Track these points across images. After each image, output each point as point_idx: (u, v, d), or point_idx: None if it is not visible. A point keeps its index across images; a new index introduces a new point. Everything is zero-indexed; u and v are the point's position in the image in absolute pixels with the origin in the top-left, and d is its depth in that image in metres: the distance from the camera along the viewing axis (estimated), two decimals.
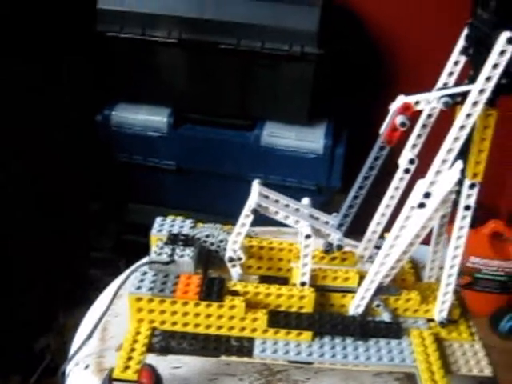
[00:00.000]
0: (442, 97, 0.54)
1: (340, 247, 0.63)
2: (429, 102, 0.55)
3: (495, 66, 0.50)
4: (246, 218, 0.61)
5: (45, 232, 1.75)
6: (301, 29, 1.43)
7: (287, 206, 0.64)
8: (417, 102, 0.56)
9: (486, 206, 1.76)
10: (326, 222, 0.65)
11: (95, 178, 1.84)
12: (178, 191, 1.67)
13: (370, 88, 1.64)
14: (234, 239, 0.62)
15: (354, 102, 1.59)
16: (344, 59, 1.59)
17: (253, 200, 0.61)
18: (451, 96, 0.54)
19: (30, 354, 1.59)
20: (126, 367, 0.56)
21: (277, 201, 0.64)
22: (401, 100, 0.56)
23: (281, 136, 1.55)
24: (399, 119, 0.56)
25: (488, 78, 0.51)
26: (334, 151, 1.51)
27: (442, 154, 0.55)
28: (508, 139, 1.71)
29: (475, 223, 1.61)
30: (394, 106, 0.56)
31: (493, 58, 0.50)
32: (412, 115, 0.56)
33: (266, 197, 0.63)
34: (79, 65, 1.67)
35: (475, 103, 0.52)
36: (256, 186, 0.63)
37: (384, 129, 0.59)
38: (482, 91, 0.51)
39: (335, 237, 0.62)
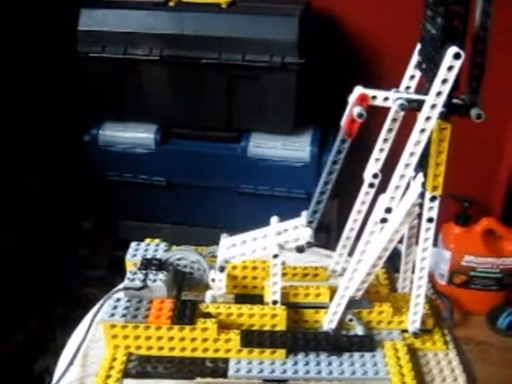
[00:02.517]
0: (399, 98, 0.55)
1: (310, 244, 0.63)
2: (386, 99, 0.56)
3: (444, 81, 0.51)
4: (218, 274, 0.63)
5: (39, 253, 1.77)
6: (281, 39, 1.45)
7: (255, 239, 0.64)
8: (374, 97, 0.56)
9: (479, 204, 1.77)
10: (295, 227, 0.65)
11: (86, 197, 1.85)
12: (169, 206, 1.69)
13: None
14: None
15: (339, 109, 1.60)
16: (326, 66, 1.60)
17: (220, 258, 0.62)
18: (407, 100, 0.55)
19: (30, 377, 1.60)
20: None
21: (244, 241, 0.64)
22: (358, 91, 0.57)
23: (267, 146, 1.56)
24: (356, 110, 0.56)
25: (438, 93, 0.52)
26: (321, 158, 1.52)
27: (399, 169, 0.56)
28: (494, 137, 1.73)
29: (468, 221, 1.62)
30: (352, 97, 0.57)
31: (441, 73, 0.51)
32: (368, 108, 0.57)
33: (234, 245, 0.64)
34: (62, 86, 1.69)
35: (428, 118, 0.52)
36: (223, 240, 0.65)
37: (343, 121, 0.59)
38: (433, 106, 0.52)
39: (306, 234, 0.63)
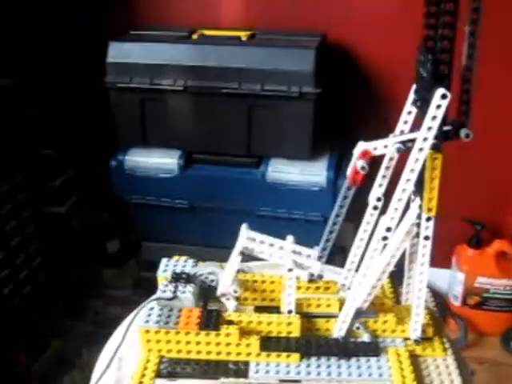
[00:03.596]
0: (396, 143, 0.65)
1: (320, 277, 0.73)
2: (385, 147, 0.66)
3: (434, 117, 0.60)
4: (235, 258, 0.71)
5: (66, 273, 1.88)
6: (298, 70, 1.55)
7: (272, 245, 0.74)
8: (375, 148, 0.66)
9: (491, 227, 1.85)
10: (308, 255, 0.74)
11: (112, 219, 1.97)
12: (191, 228, 1.79)
13: (368, 121, 1.74)
14: (226, 276, 0.72)
15: (353, 135, 1.70)
16: (341, 95, 1.70)
17: (240, 243, 0.71)
18: (403, 142, 0.64)
19: None
20: None
21: (262, 242, 0.74)
22: (361, 146, 0.66)
23: (285, 171, 1.66)
24: (359, 164, 0.66)
25: (429, 128, 0.61)
26: (336, 183, 1.61)
27: (397, 193, 0.65)
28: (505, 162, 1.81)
29: (480, 244, 1.69)
30: (356, 152, 0.67)
31: (431, 111, 0.60)
32: (371, 159, 0.66)
33: (253, 239, 0.73)
34: (93, 115, 1.82)
35: (421, 149, 0.62)
36: (244, 230, 0.74)
37: (348, 172, 0.69)
38: (425, 139, 0.61)
39: (316, 268, 0.72)
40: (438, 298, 1.94)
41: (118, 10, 1.81)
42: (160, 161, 1.71)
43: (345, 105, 1.74)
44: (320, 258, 0.75)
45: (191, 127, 1.68)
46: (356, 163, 0.66)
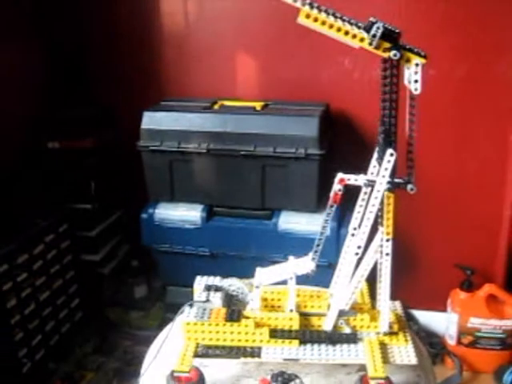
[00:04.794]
0: (363, 180, 0.98)
1: (313, 272, 1.05)
2: (355, 180, 0.99)
3: (385, 169, 0.94)
4: (255, 293, 1.05)
5: (99, 315, 2.20)
6: (304, 135, 1.90)
7: (278, 269, 1.07)
8: (348, 179, 0.99)
9: (483, 272, 2.15)
10: (304, 261, 1.07)
11: (140, 267, 2.30)
12: (211, 273, 2.09)
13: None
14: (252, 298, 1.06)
15: (353, 190, 2.04)
16: (342, 154, 2.04)
17: (256, 281, 1.05)
18: (368, 181, 0.98)
19: None
20: (181, 365, 0.97)
21: (271, 271, 1.07)
22: (339, 176, 1.00)
23: (294, 222, 1.99)
24: (337, 187, 0.99)
25: (383, 176, 0.94)
26: (339, 232, 1.93)
27: (364, 222, 0.98)
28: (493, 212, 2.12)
29: (471, 287, 2.00)
30: (336, 180, 1.00)
31: (384, 164, 0.94)
32: (345, 185, 0.99)
33: (265, 273, 1.07)
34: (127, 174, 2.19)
35: (378, 191, 0.95)
36: (258, 271, 1.07)
37: (331, 194, 1.02)
38: (381, 183, 0.95)
39: (310, 266, 1.05)
40: (435, 337, 2.22)
41: (151, 85, 2.21)
42: (185, 213, 2.05)
43: (345, 163, 2.08)
44: (313, 259, 1.07)
45: (213, 184, 2.03)
46: (335, 187, 1.00)
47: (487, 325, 2.07)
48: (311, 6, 0.86)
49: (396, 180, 0.97)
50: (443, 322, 2.20)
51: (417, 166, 1.77)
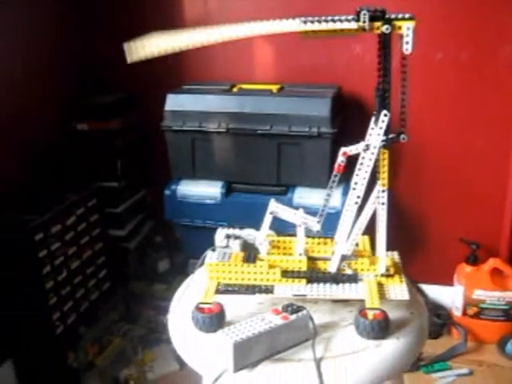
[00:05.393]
0: (362, 147, 1.16)
1: (319, 232, 1.23)
2: (356, 149, 1.17)
3: (381, 128, 1.12)
4: (267, 216, 1.23)
5: (125, 286, 2.39)
6: (317, 115, 2.08)
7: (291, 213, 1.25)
8: (350, 150, 1.17)
9: (488, 247, 2.31)
10: (312, 220, 1.25)
11: (163, 242, 2.50)
12: None
13: None
14: (261, 230, 1.24)
15: None
16: (352, 133, 2.22)
17: (270, 208, 1.23)
18: (366, 145, 1.16)
19: (117, 382, 2.16)
20: (205, 298, 1.16)
21: (283, 209, 1.25)
22: (342, 149, 1.18)
23: (308, 197, 2.17)
24: (340, 159, 1.17)
25: (378, 134, 1.12)
26: None
27: (361, 174, 1.16)
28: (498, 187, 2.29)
29: (477, 261, 2.19)
30: (339, 153, 1.18)
31: (379, 123, 1.12)
32: (348, 157, 1.17)
33: (278, 207, 1.25)
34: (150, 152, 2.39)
35: (374, 147, 1.13)
36: (272, 202, 1.25)
37: (336, 165, 1.20)
38: (376, 141, 1.13)
39: (316, 226, 1.23)
40: (443, 310, 2.39)
41: (173, 68, 2.40)
42: (206, 189, 2.25)
43: (356, 141, 2.26)
44: (318, 221, 1.25)
45: (231, 162, 2.23)
46: (338, 159, 1.18)
47: (491, 296, 2.24)
48: (305, 22, 1.05)
49: (390, 136, 1.14)
50: (450, 296, 2.37)
51: (423, 144, 2.02)
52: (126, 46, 1.12)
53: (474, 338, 2.30)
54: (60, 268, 2.06)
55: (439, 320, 2.32)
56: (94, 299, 2.26)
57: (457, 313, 2.32)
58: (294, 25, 1.06)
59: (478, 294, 2.25)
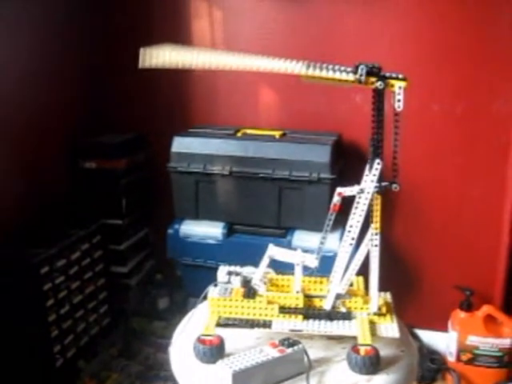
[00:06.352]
0: (357, 190, 1.26)
1: (316, 268, 1.33)
2: (351, 191, 1.27)
3: (374, 175, 1.22)
4: (265, 259, 1.32)
5: (125, 322, 2.47)
6: (317, 161, 2.19)
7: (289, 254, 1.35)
8: (345, 191, 1.28)
9: (481, 294, 2.40)
10: (310, 257, 1.35)
11: (164, 280, 2.58)
12: None
13: None
14: (258, 271, 1.33)
15: None
16: (351, 180, 2.33)
17: (269, 252, 1.33)
18: (361, 189, 1.26)
19: None
20: (207, 331, 1.25)
21: (281, 252, 1.35)
22: (338, 190, 1.28)
23: (307, 240, 2.26)
24: (335, 199, 1.28)
25: (372, 181, 1.23)
26: None
27: (356, 217, 1.25)
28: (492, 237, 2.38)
29: (471, 307, 2.27)
30: (335, 193, 1.28)
31: (373, 171, 1.22)
32: (343, 197, 1.28)
33: (276, 250, 1.35)
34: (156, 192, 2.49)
35: (368, 193, 1.23)
36: (271, 246, 1.35)
37: (331, 204, 1.30)
38: (370, 187, 1.23)
39: (314, 263, 1.33)
40: (437, 355, 2.46)
41: (180, 112, 2.53)
42: (208, 230, 2.35)
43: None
44: (316, 258, 1.35)
45: (234, 203, 2.33)
46: (334, 199, 1.28)
47: (485, 343, 2.31)
48: (308, 66, 1.17)
49: (383, 183, 1.25)
50: (445, 341, 2.44)
51: (421, 192, 2.15)
52: (141, 51, 1.20)
53: None
54: (63, 301, 2.14)
55: (433, 365, 2.38)
56: (94, 334, 2.33)
57: (451, 358, 2.38)
58: (297, 67, 1.18)
59: (472, 340, 2.32)
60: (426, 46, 2.27)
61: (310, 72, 1.18)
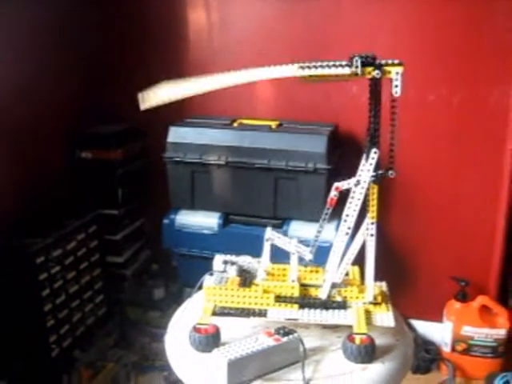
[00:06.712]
0: (354, 183, 1.27)
1: (311, 261, 1.33)
2: (348, 184, 1.27)
3: (371, 164, 1.22)
4: (266, 245, 1.33)
5: (120, 312, 2.47)
6: (313, 151, 2.20)
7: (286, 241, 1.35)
8: (342, 185, 1.28)
9: (476, 284, 2.41)
10: (305, 249, 1.35)
11: (159, 270, 2.58)
12: None
13: None
14: (263, 262, 1.34)
15: None
16: (348, 169, 2.33)
17: (267, 234, 1.33)
18: (357, 181, 1.26)
19: None
20: (202, 319, 1.25)
21: (278, 237, 1.35)
22: (335, 184, 1.28)
23: (303, 230, 2.26)
24: (333, 193, 1.28)
25: (368, 170, 1.23)
26: None
27: (352, 206, 1.26)
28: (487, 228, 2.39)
29: (466, 298, 2.29)
30: (332, 187, 1.29)
31: (369, 160, 1.22)
32: (340, 192, 1.28)
33: (273, 234, 1.35)
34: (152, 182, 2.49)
35: (364, 182, 1.23)
36: (268, 229, 1.35)
37: (328, 198, 1.30)
38: (366, 177, 1.23)
39: (309, 255, 1.33)
40: (432, 345, 2.47)
41: (176, 102, 2.52)
42: (203, 220, 2.35)
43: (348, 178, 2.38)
44: (311, 250, 1.35)
45: (229, 194, 2.33)
46: (331, 193, 1.28)
47: (479, 333, 2.33)
48: (302, 68, 1.18)
49: (379, 171, 1.25)
50: (440, 332, 2.45)
51: (417, 182, 2.15)
52: (139, 95, 1.23)
53: (462, 374, 2.37)
54: (59, 291, 2.14)
55: (428, 355, 2.40)
56: (89, 324, 2.34)
57: (446, 348, 2.39)
58: (291, 70, 1.18)
59: (467, 330, 2.33)
60: (423, 36, 2.28)
61: (306, 72, 1.18)
